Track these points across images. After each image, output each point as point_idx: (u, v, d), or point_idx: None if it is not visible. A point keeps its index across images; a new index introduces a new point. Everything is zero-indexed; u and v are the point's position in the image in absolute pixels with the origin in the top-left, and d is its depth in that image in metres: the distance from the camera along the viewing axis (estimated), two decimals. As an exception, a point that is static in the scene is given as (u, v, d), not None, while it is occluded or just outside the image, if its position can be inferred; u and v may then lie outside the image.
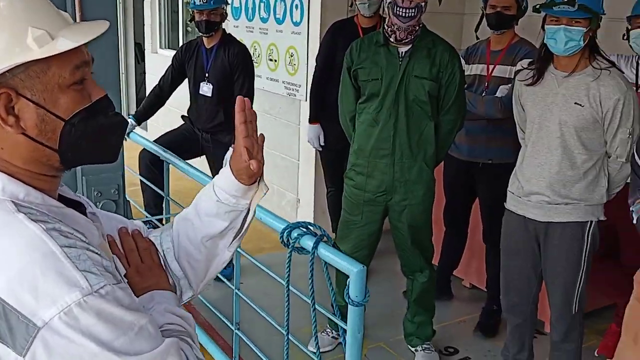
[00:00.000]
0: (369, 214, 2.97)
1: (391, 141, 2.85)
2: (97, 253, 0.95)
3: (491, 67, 3.27)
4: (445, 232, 3.70)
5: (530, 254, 2.64)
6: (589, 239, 2.52)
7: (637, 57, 3.03)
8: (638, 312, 2.22)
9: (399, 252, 3.09)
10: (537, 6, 2.43)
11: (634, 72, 3.04)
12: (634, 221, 2.11)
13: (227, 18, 3.95)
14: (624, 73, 2.56)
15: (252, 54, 4.12)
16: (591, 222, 2.51)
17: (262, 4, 4.87)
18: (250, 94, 3.88)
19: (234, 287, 2.59)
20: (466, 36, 4.62)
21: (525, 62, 2.82)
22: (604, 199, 2.50)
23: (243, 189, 1.24)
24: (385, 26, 2.81)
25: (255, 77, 3.99)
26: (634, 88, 2.92)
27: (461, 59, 3.41)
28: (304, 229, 2.02)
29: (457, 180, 3.49)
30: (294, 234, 2.02)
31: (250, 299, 2.51)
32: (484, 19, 3.30)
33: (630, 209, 2.13)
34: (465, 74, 3.39)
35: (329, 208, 4.26)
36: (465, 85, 3.36)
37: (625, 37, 2.99)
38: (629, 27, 2.98)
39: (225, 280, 2.76)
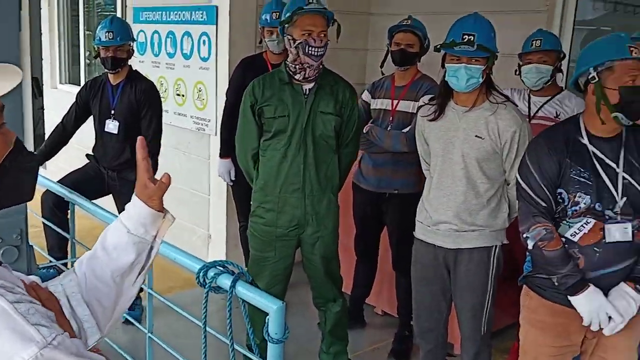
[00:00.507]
0: (282, 249, 2.99)
1: (301, 175, 2.90)
2: (39, 304, 0.97)
3: (395, 102, 3.41)
4: (357, 262, 3.78)
5: (439, 280, 2.74)
6: (495, 262, 2.65)
7: (528, 90, 3.25)
8: (533, 336, 2.34)
9: (312, 284, 3.12)
10: (438, 46, 2.56)
11: (527, 104, 3.25)
12: (530, 247, 2.23)
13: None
14: (517, 106, 2.73)
15: (159, 89, 4.07)
16: (496, 246, 2.65)
17: (168, 40, 4.84)
18: (158, 130, 3.83)
19: (146, 330, 2.52)
20: (369, 71, 4.79)
21: (426, 98, 2.96)
22: (506, 223, 2.64)
23: (152, 215, 1.31)
24: (290, 64, 2.86)
25: (163, 113, 3.95)
26: (527, 119, 3.15)
27: (366, 92, 3.56)
28: (221, 268, 2.01)
29: (367, 211, 3.59)
30: (211, 273, 1.99)
31: (164, 341, 2.45)
32: (389, 55, 3.44)
33: (525, 235, 2.23)
34: (371, 107, 3.53)
35: (242, 243, 4.23)
36: (372, 120, 3.51)
37: (517, 73, 3.21)
38: (520, 63, 3.20)
39: (135, 322, 2.67)
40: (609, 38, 2.22)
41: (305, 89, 2.88)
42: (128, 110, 3.76)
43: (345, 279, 3.41)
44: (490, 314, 2.71)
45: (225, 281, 1.94)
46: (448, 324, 2.87)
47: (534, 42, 3.17)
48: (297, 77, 2.86)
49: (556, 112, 3.15)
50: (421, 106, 2.86)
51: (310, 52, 2.77)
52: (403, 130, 3.33)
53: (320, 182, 2.92)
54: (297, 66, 2.84)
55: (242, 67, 3.88)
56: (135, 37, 4.06)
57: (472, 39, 2.46)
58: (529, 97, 3.26)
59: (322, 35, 2.79)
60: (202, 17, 4.46)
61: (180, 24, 4.69)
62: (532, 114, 3.21)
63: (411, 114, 3.32)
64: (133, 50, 3.84)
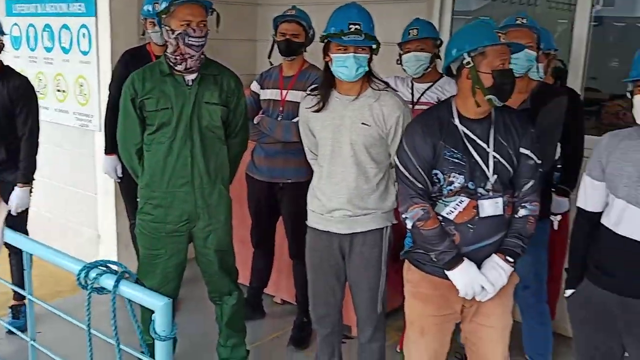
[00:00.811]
0: (173, 246, 2.92)
1: (189, 169, 2.84)
2: None
3: (284, 92, 3.42)
4: (254, 252, 3.77)
5: (334, 266, 2.78)
6: (387, 242, 2.74)
7: (410, 77, 3.35)
8: (418, 308, 2.46)
9: (206, 279, 3.07)
10: (326, 36, 2.56)
11: (410, 91, 3.35)
12: (409, 227, 2.34)
13: (5, 49, 3.64)
14: (397, 92, 2.81)
15: (37, 85, 3.86)
16: (387, 227, 2.73)
17: (45, 33, 4.59)
18: (35, 128, 3.61)
19: (28, 339, 2.38)
20: (260, 61, 4.77)
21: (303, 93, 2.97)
22: (395, 204, 2.72)
23: None
24: (170, 55, 2.79)
25: (42, 109, 3.74)
26: (411, 105, 3.25)
27: (255, 83, 3.55)
28: (103, 268, 1.93)
29: (261, 201, 3.58)
30: (92, 274, 1.91)
31: (48, 348, 2.32)
32: (275, 45, 3.43)
33: (404, 215, 2.34)
34: (261, 98, 3.52)
35: (133, 242, 4.10)
36: (262, 110, 3.50)
37: (398, 62, 3.30)
38: (401, 52, 3.29)
39: (18, 332, 2.53)
40: (477, 25, 2.34)
41: (188, 80, 2.82)
42: (1, 108, 3.53)
43: (243, 271, 3.40)
44: (385, 293, 2.78)
45: (108, 281, 1.87)
46: (343, 308, 2.92)
47: (411, 31, 3.26)
48: (178, 68, 2.80)
49: (438, 98, 3.26)
50: (305, 97, 2.84)
51: (190, 42, 2.71)
52: (293, 120, 3.33)
53: (209, 174, 2.88)
54: (178, 57, 2.77)
55: (125, 60, 3.75)
56: (7, 30, 3.80)
57: (359, 28, 2.50)
58: (412, 84, 3.35)
59: (202, 25, 2.74)
60: (80, 9, 4.26)
61: (58, 16, 4.46)
62: (415, 100, 3.31)
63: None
64: (3, 45, 3.59)
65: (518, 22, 2.79)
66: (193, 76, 2.82)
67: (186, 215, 2.88)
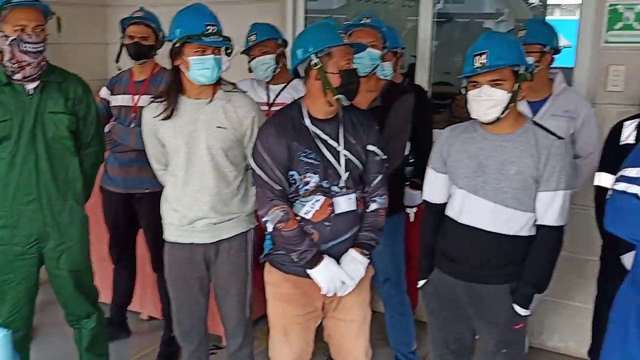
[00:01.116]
0: (23, 269, 2.72)
1: (35, 184, 2.65)
2: None
3: (136, 97, 3.29)
4: (114, 269, 3.61)
5: (198, 279, 2.71)
6: (250, 245, 2.72)
7: (266, 80, 3.34)
8: (280, 309, 2.48)
9: (61, 302, 2.89)
10: (185, 37, 2.45)
11: (266, 93, 3.35)
12: (270, 229, 2.34)
13: None
14: (246, 92, 2.78)
15: None
16: (250, 230, 2.72)
17: None
18: None
19: None
20: (111, 66, 4.55)
21: (146, 98, 2.86)
22: (254, 207, 2.68)
23: None
24: (7, 64, 2.59)
25: None
26: (267, 107, 3.25)
27: (104, 89, 3.38)
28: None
29: (118, 214, 3.44)
30: None
31: None
32: (124, 49, 3.30)
33: (264, 219, 2.34)
34: (111, 105, 3.37)
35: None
36: (113, 117, 3.34)
37: (249, 70, 3.31)
38: (249, 60, 3.29)
39: None
40: (320, 26, 2.38)
41: (29, 89, 2.63)
42: None
43: (104, 290, 3.25)
44: (251, 298, 2.77)
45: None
46: (209, 319, 2.86)
47: (250, 38, 3.27)
48: (16, 77, 2.60)
49: (293, 97, 3.24)
50: (147, 106, 2.71)
51: (25, 48, 2.53)
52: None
53: (59, 190, 2.70)
54: (15, 65, 2.58)
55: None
56: None
57: (216, 30, 2.46)
58: (268, 86, 3.35)
59: (38, 29, 2.57)
60: None
61: None
62: (271, 102, 3.31)
63: (155, 108, 3.23)
64: None
65: (362, 21, 2.86)
66: (34, 84, 2.64)
67: (35, 236, 2.70)
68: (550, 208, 2.19)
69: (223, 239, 2.65)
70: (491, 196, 2.21)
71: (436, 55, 3.98)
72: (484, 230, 2.24)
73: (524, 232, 2.25)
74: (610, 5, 3.17)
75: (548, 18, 9.77)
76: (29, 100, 2.62)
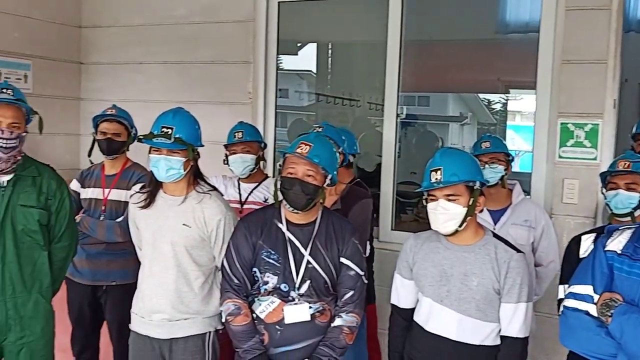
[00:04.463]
0: (-20, 362, 2.65)
1: (0, 276, 2.63)
2: None
3: (107, 190, 3.34)
4: (75, 362, 3.52)
5: None
6: (210, 348, 2.67)
7: (237, 177, 3.44)
8: None
9: (18, 398, 2.80)
10: (141, 137, 2.60)
11: (237, 190, 3.43)
12: (223, 320, 2.43)
13: None
14: (223, 195, 2.86)
15: None
16: (210, 332, 2.68)
17: None
18: None
19: None
20: (83, 156, 4.62)
21: (137, 187, 2.96)
22: (219, 309, 2.69)
23: None
24: None
25: None
26: (239, 205, 3.32)
27: (75, 182, 3.42)
28: None
29: (83, 306, 3.39)
30: None
31: None
32: (96, 144, 3.38)
33: (220, 309, 2.44)
34: (81, 197, 3.40)
35: None
36: (83, 210, 3.37)
37: (225, 162, 3.39)
38: (227, 153, 3.38)
39: None
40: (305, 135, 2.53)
41: (3, 181, 2.67)
42: None
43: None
44: None
45: None
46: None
47: (236, 134, 3.37)
48: None
49: (265, 197, 3.37)
50: (133, 194, 2.83)
51: None
52: (117, 220, 3.27)
53: (24, 283, 2.68)
54: None
55: None
56: None
57: (169, 132, 2.54)
58: (239, 184, 3.44)
59: (14, 126, 2.63)
60: None
61: None
62: (243, 200, 3.39)
63: (124, 202, 3.28)
64: None
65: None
66: (8, 177, 2.67)
67: (-5, 328, 2.65)
68: (513, 320, 2.24)
69: (178, 338, 2.63)
70: (455, 306, 2.26)
71: (403, 155, 4.14)
72: (450, 340, 2.27)
73: (489, 342, 2.27)
74: (562, 123, 3.37)
75: (509, 123, 10.28)
76: (1, 193, 2.65)
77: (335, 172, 2.44)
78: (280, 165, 2.42)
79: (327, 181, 2.40)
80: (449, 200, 2.21)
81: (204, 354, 2.65)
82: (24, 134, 2.67)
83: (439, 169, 2.23)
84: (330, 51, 6.76)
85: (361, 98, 6.71)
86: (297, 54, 6.18)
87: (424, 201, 2.30)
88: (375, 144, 5.82)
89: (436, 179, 2.23)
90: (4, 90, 2.65)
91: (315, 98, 7.15)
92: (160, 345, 2.64)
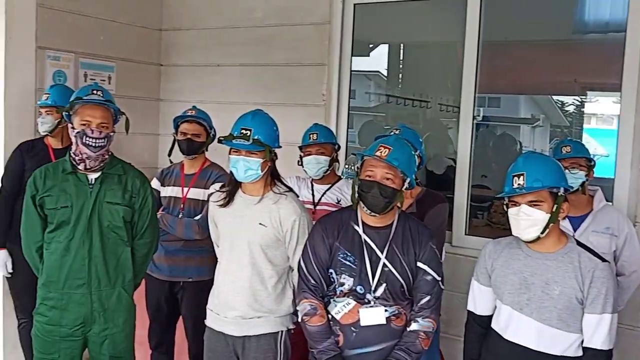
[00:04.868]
0: (67, 351, 2.78)
1: (86, 270, 2.76)
2: None
3: (185, 189, 3.44)
4: (152, 355, 3.63)
5: None
6: (282, 348, 2.71)
7: (310, 179, 3.48)
8: None
9: (100, 386, 2.93)
10: (221, 138, 2.67)
11: (310, 192, 3.47)
12: (299, 320, 2.41)
13: None
14: (298, 196, 2.90)
15: None
16: (282, 332, 2.71)
17: None
18: None
19: None
20: (162, 155, 4.79)
21: (217, 186, 3.04)
22: (291, 309, 2.73)
23: None
24: (72, 154, 2.78)
25: None
26: (312, 206, 3.36)
27: (155, 180, 3.55)
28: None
29: (160, 301, 3.50)
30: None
31: None
32: (176, 144, 3.49)
33: (297, 308, 2.45)
34: (161, 195, 3.51)
35: (22, 342, 3.86)
36: (162, 207, 3.49)
37: (299, 163, 3.43)
38: (302, 155, 3.42)
39: None
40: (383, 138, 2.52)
41: (91, 179, 2.80)
42: None
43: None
44: None
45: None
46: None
47: (311, 135, 3.42)
48: (80, 167, 2.78)
49: (337, 199, 3.41)
50: (212, 193, 2.92)
51: (87, 142, 2.71)
52: (195, 218, 3.36)
53: (109, 276, 2.80)
54: (77, 157, 2.76)
55: (21, 152, 3.68)
56: None
57: (248, 134, 2.59)
58: (312, 185, 3.48)
59: (102, 126, 2.75)
60: (-27, 100, 4.13)
61: (-52, 104, 4.30)
62: (316, 201, 3.43)
63: (202, 201, 3.38)
64: None
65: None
66: (96, 175, 2.80)
67: (82, 319, 2.77)
68: (596, 331, 2.18)
69: (251, 335, 2.68)
70: (536, 315, 2.22)
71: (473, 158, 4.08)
72: (530, 349, 2.24)
73: (570, 353, 2.22)
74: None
75: (585, 126, 9.93)
76: (89, 190, 2.78)
77: (413, 176, 2.44)
78: (358, 168, 2.44)
79: (405, 184, 2.40)
80: (532, 206, 2.18)
81: (276, 353, 2.69)
82: (112, 133, 2.80)
83: (522, 174, 2.19)
84: (402, 52, 6.72)
85: (432, 99, 6.63)
86: (368, 55, 6.18)
87: (504, 206, 2.27)
88: (443, 145, 5.76)
89: (519, 184, 2.19)
90: (94, 92, 2.78)
91: (386, 99, 7.13)
92: (234, 342, 2.70)
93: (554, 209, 2.18)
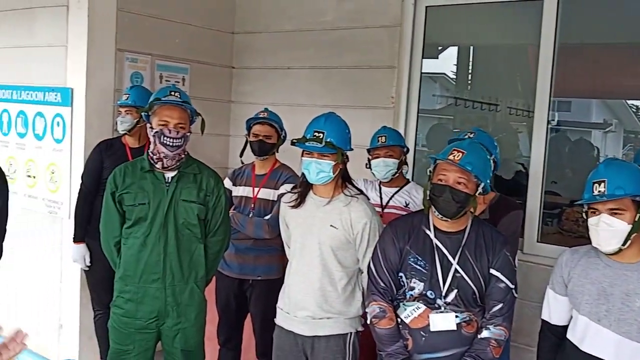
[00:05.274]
0: (141, 343, 2.89)
1: (162, 265, 2.85)
2: None
3: (256, 189, 3.51)
4: (220, 350, 3.71)
5: None
6: (351, 349, 2.73)
7: (378, 181, 3.48)
8: None
9: (172, 378, 3.02)
10: (294, 140, 2.71)
11: (378, 194, 3.47)
12: (368, 322, 2.41)
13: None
14: (369, 199, 2.91)
15: (7, 170, 3.86)
16: (351, 333, 2.74)
17: (19, 119, 4.63)
18: (3, 214, 3.59)
19: None
20: (232, 156, 4.89)
21: (288, 187, 3.09)
22: (360, 311, 2.75)
23: None
24: (151, 153, 2.88)
25: (11, 194, 3.73)
26: (380, 209, 3.36)
27: (227, 180, 3.63)
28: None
29: (230, 298, 3.58)
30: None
31: None
32: (248, 145, 3.55)
33: (365, 310, 2.45)
34: (233, 194, 3.59)
35: (97, 333, 4.02)
36: (234, 206, 3.57)
37: (367, 166, 3.44)
38: (370, 157, 3.43)
39: None
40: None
41: (168, 177, 2.89)
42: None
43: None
44: None
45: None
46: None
47: (380, 138, 3.41)
48: (157, 166, 2.87)
49: (405, 202, 3.39)
50: (283, 194, 2.97)
51: (165, 142, 2.80)
52: (265, 217, 3.42)
53: (182, 272, 2.89)
54: (155, 156, 2.86)
55: (100, 151, 3.84)
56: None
57: (320, 137, 2.63)
58: (380, 188, 3.48)
59: (180, 127, 2.84)
60: (55, 99, 4.33)
61: (33, 104, 4.52)
62: (384, 204, 3.42)
63: (272, 201, 3.44)
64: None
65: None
66: (172, 174, 2.89)
67: (156, 312, 2.87)
68: None
69: (320, 336, 2.71)
70: (615, 327, 2.15)
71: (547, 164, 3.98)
72: None
73: None
74: None
75: (661, 131, 9.51)
76: (166, 188, 2.87)
77: (488, 180, 2.41)
78: (430, 171, 2.43)
79: (479, 189, 2.37)
80: (613, 214, 2.11)
81: (345, 354, 2.72)
82: (188, 134, 2.88)
83: (603, 181, 2.13)
84: (471, 54, 6.62)
85: (501, 102, 6.50)
86: (437, 58, 6.11)
87: (583, 214, 2.21)
88: (513, 150, 5.63)
89: (599, 191, 2.13)
90: (173, 93, 2.88)
91: (452, 101, 7.03)
92: (303, 341, 2.73)
93: (636, 219, 2.10)
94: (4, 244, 3.59)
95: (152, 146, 2.88)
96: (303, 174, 2.73)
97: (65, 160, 4.29)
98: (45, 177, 4.48)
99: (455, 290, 2.36)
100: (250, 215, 3.49)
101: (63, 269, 4.34)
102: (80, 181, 3.88)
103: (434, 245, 2.40)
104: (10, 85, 4.66)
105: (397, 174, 3.42)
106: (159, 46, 4.52)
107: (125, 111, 3.82)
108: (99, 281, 3.87)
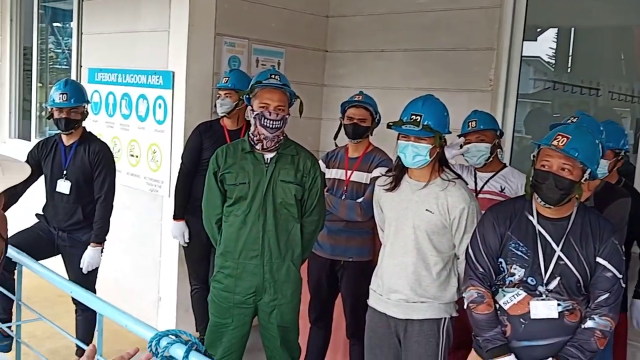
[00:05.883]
0: (239, 317, 2.99)
1: (260, 242, 2.94)
2: None
3: (349, 172, 3.53)
4: (310, 328, 3.78)
5: (392, 349, 2.79)
6: (444, 334, 2.72)
7: (472, 167, 3.42)
8: None
9: (267, 353, 3.11)
10: (390, 123, 2.70)
11: (473, 179, 3.41)
12: (465, 307, 2.39)
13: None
14: (467, 184, 2.87)
15: (112, 149, 4.08)
16: (445, 318, 2.72)
17: (123, 101, 4.87)
18: (110, 192, 3.83)
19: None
20: (323, 139, 4.94)
21: (382, 170, 3.09)
22: (455, 297, 2.73)
23: None
24: (251, 134, 2.96)
25: (117, 173, 3.95)
26: (475, 193, 3.30)
27: (321, 162, 3.67)
28: (174, 337, 2.00)
29: (321, 278, 3.63)
30: (163, 342, 1.98)
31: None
32: (342, 128, 3.58)
33: (463, 295, 2.42)
34: (326, 177, 3.63)
35: (193, 307, 4.20)
36: (326, 188, 3.60)
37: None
38: (462, 144, 3.37)
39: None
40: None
41: (267, 158, 2.97)
42: (80, 171, 3.76)
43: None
44: None
45: (178, 351, 1.94)
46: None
47: (470, 123, 3.35)
48: (257, 147, 2.95)
49: (501, 187, 3.31)
50: (376, 177, 2.97)
51: (265, 124, 2.87)
52: (357, 200, 3.44)
53: (280, 250, 2.96)
54: (255, 137, 2.93)
55: (199, 132, 3.97)
56: (89, 97, 4.07)
57: (418, 120, 2.60)
58: (475, 173, 3.41)
59: (280, 109, 2.90)
60: (158, 82, 4.52)
61: (136, 86, 4.74)
62: (478, 189, 3.36)
63: (364, 184, 3.45)
64: (87, 112, 3.86)
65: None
66: (271, 155, 2.97)
67: (254, 288, 2.96)
68: None
69: (413, 319, 2.70)
70: None
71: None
72: None
73: None
74: None
75: None
76: (265, 168, 2.95)
77: (596, 166, 2.31)
78: (534, 157, 2.36)
79: (585, 175, 2.28)
80: None
81: (438, 339, 2.71)
82: (287, 116, 2.94)
83: None
84: (572, 36, 6.33)
85: (602, 86, 6.19)
86: (536, 40, 5.90)
87: None
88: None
89: None
90: (273, 76, 2.94)
91: (550, 85, 6.76)
92: (396, 324, 2.74)
93: None
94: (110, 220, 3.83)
95: (252, 128, 2.96)
96: (398, 157, 2.73)
97: (166, 140, 4.48)
98: (147, 157, 4.69)
99: (558, 278, 2.30)
100: (343, 197, 3.51)
101: (162, 244, 4.55)
102: (180, 161, 4.04)
103: (537, 232, 2.34)
104: (116, 68, 4.91)
105: (491, 159, 3.35)
106: (256, 30, 4.62)
107: (225, 94, 3.93)
108: (197, 257, 4.04)
